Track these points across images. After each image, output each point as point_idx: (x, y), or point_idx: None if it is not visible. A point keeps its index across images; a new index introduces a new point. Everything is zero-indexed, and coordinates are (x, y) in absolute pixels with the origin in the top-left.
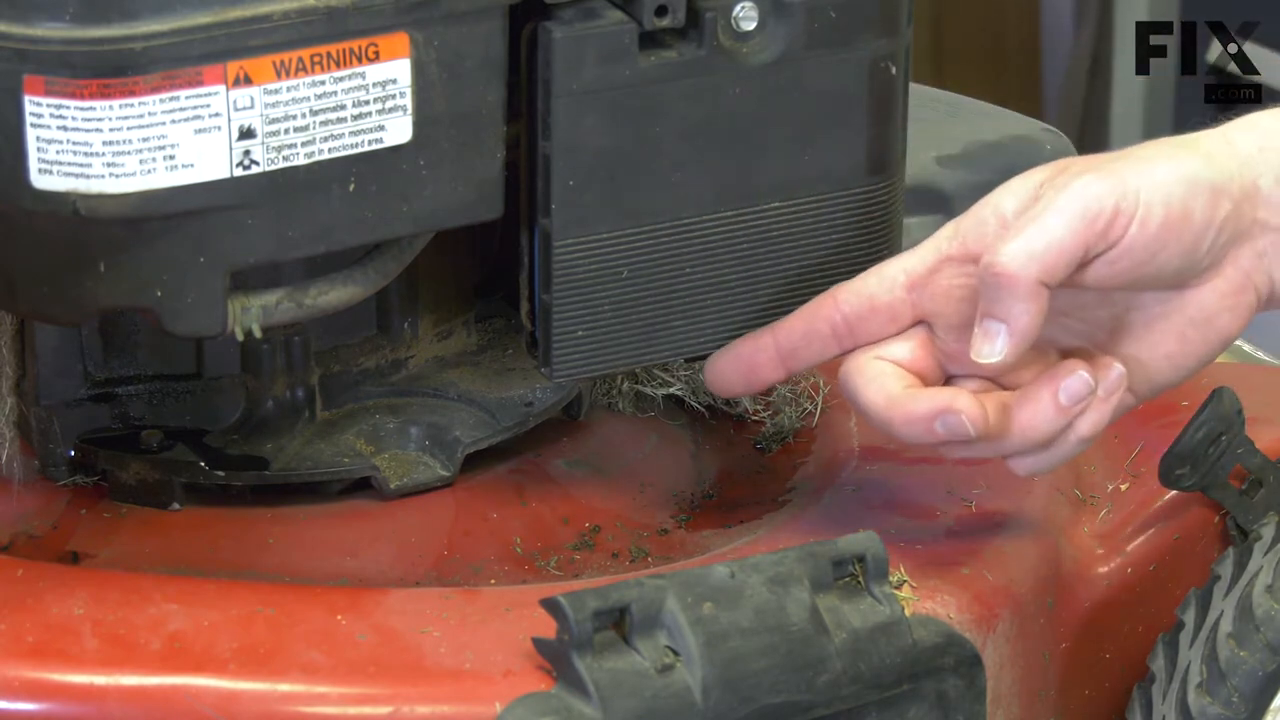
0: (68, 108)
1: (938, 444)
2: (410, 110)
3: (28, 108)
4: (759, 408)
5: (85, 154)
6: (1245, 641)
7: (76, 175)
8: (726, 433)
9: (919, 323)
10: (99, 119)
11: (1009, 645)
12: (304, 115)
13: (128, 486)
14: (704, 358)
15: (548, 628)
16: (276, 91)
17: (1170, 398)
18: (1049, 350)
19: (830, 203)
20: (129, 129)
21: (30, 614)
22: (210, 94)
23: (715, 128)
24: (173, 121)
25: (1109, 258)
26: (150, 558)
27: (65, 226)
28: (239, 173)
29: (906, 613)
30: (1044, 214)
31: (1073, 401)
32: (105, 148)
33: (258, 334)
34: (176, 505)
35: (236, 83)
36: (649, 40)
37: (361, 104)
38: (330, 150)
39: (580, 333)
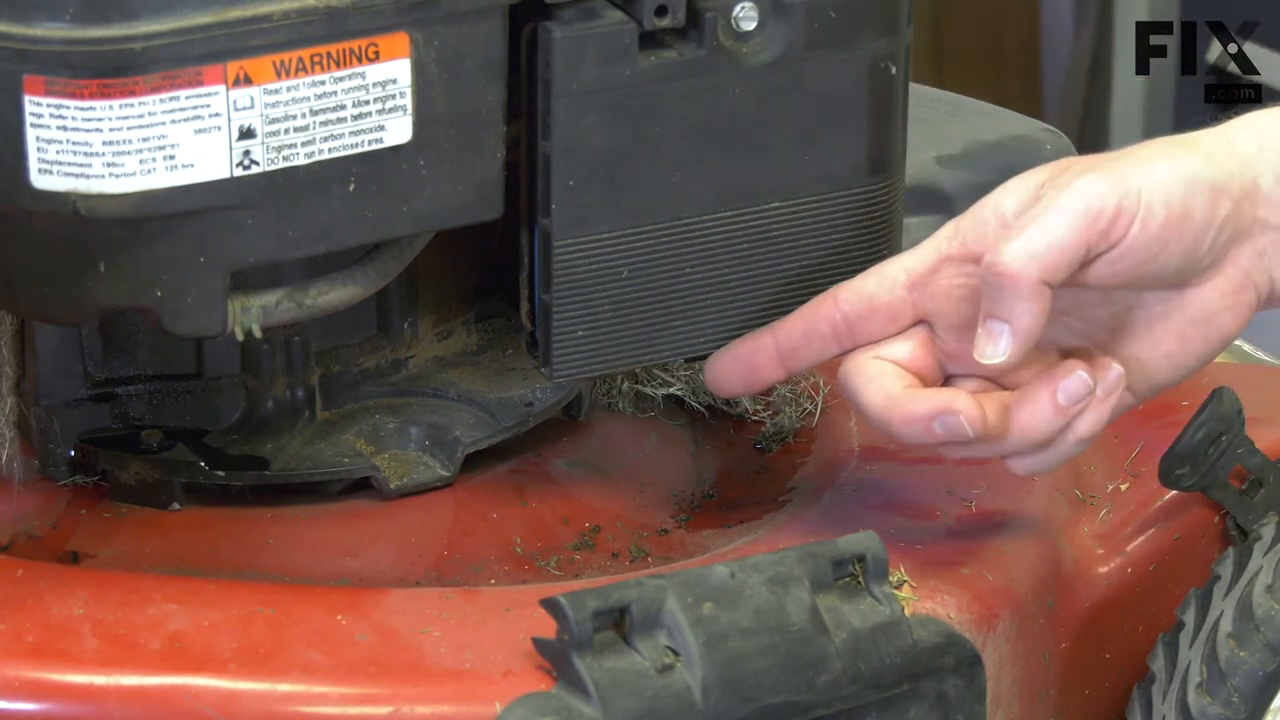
0: (68, 108)
1: (936, 444)
2: (410, 110)
3: (28, 108)
4: (759, 408)
5: (85, 154)
6: (1245, 641)
7: (76, 175)
8: (726, 433)
9: (919, 322)
10: (99, 119)
11: (1009, 645)
12: (304, 115)
13: (128, 486)
14: (704, 358)
15: (548, 628)
16: (276, 91)
17: (1170, 398)
18: (1049, 350)
19: (830, 203)
20: (129, 129)
21: (30, 614)
22: (210, 94)
23: (715, 128)
24: (173, 121)
25: (1110, 257)
26: (150, 558)
27: (65, 226)
28: (239, 173)
29: (906, 613)
30: (1045, 213)
31: (1071, 402)
32: (105, 148)
33: (258, 334)
34: (176, 505)
35: (236, 83)
36: (649, 40)
37: (361, 104)
38: (330, 150)
39: (580, 333)
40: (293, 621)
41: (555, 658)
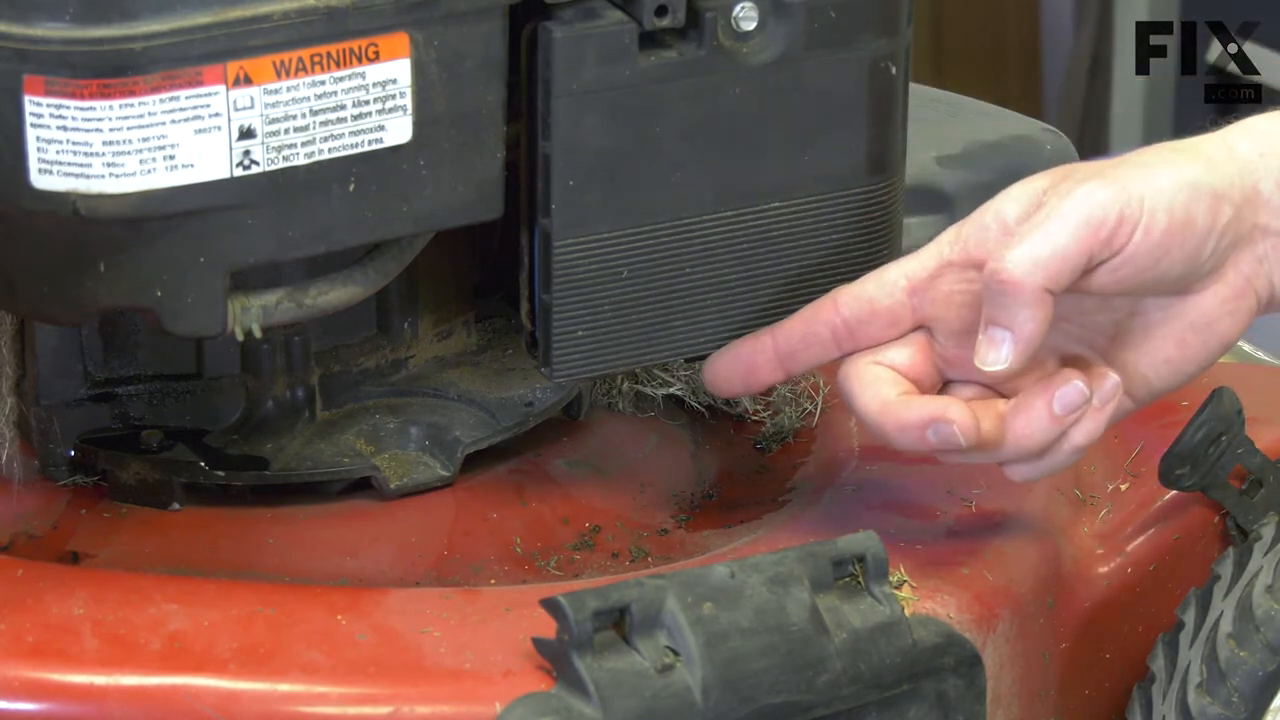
0: (68, 108)
1: (930, 451)
2: (410, 110)
3: (28, 108)
4: (759, 408)
5: (85, 154)
6: (1245, 641)
7: (76, 175)
8: (726, 433)
9: (918, 328)
10: (99, 119)
11: (1009, 645)
12: (304, 115)
13: (128, 486)
14: (704, 358)
15: (548, 628)
16: (276, 91)
17: (1170, 398)
18: (1048, 356)
19: (830, 203)
20: (129, 129)
21: (30, 614)
22: (210, 94)
23: (715, 128)
24: (173, 121)
25: (1112, 265)
26: (150, 558)
27: (65, 226)
28: (239, 173)
29: (906, 613)
30: (1048, 221)
31: (1067, 411)
32: (105, 148)
33: (258, 334)
34: (176, 505)
35: (236, 83)
36: (649, 40)
37: (361, 104)
38: (330, 150)
39: (580, 333)
40: (293, 621)
41: (555, 658)
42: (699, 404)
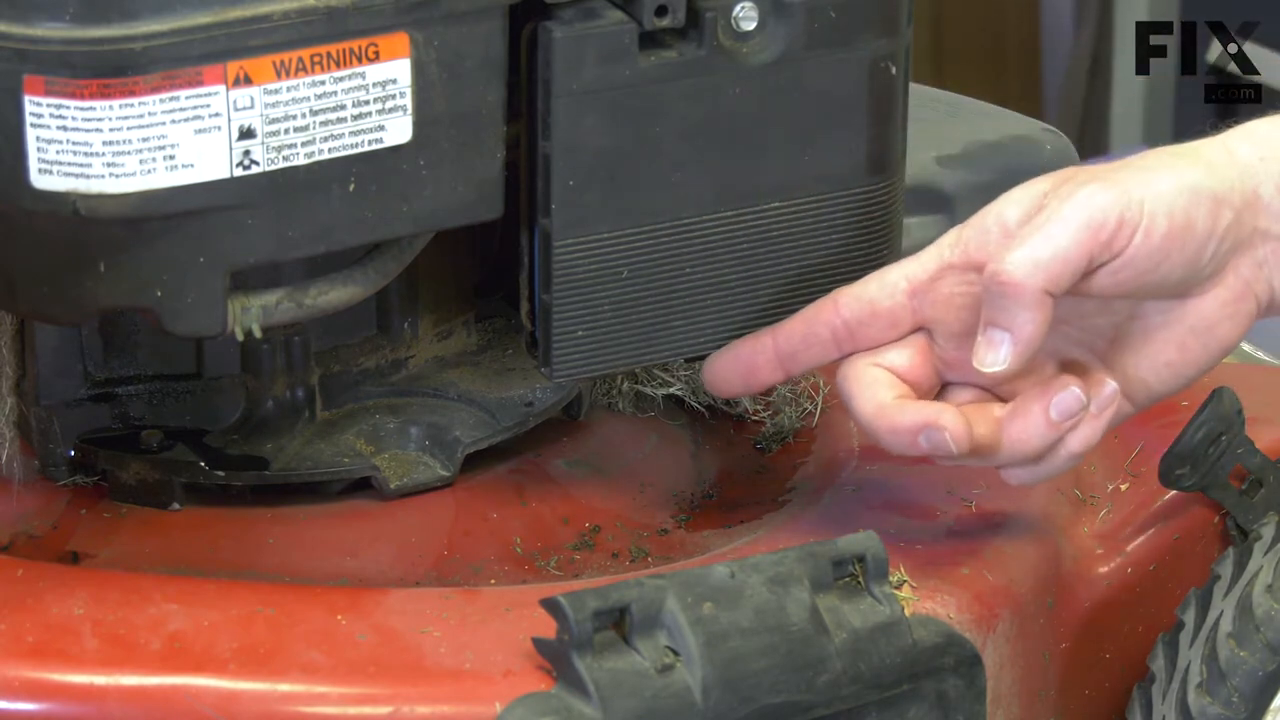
0: (68, 108)
1: (923, 455)
2: (410, 110)
3: (28, 108)
4: (759, 408)
5: (85, 154)
6: (1245, 641)
7: (76, 175)
8: (726, 433)
9: (918, 329)
10: (99, 119)
11: (1009, 645)
12: (304, 115)
13: (128, 486)
14: (704, 358)
15: (548, 628)
16: (276, 91)
17: (1170, 398)
18: (1047, 359)
19: (830, 203)
20: (129, 129)
21: (30, 614)
22: (210, 94)
23: (715, 128)
24: (173, 121)
25: (1113, 268)
26: (150, 558)
27: (65, 226)
28: (239, 173)
29: (906, 613)
30: (1049, 223)
31: (1064, 417)
32: (105, 148)
33: (258, 334)
34: (176, 505)
35: (236, 83)
36: (649, 40)
37: (361, 104)
38: (330, 150)
39: (580, 333)
40: (293, 621)
41: (555, 658)
42: (699, 404)
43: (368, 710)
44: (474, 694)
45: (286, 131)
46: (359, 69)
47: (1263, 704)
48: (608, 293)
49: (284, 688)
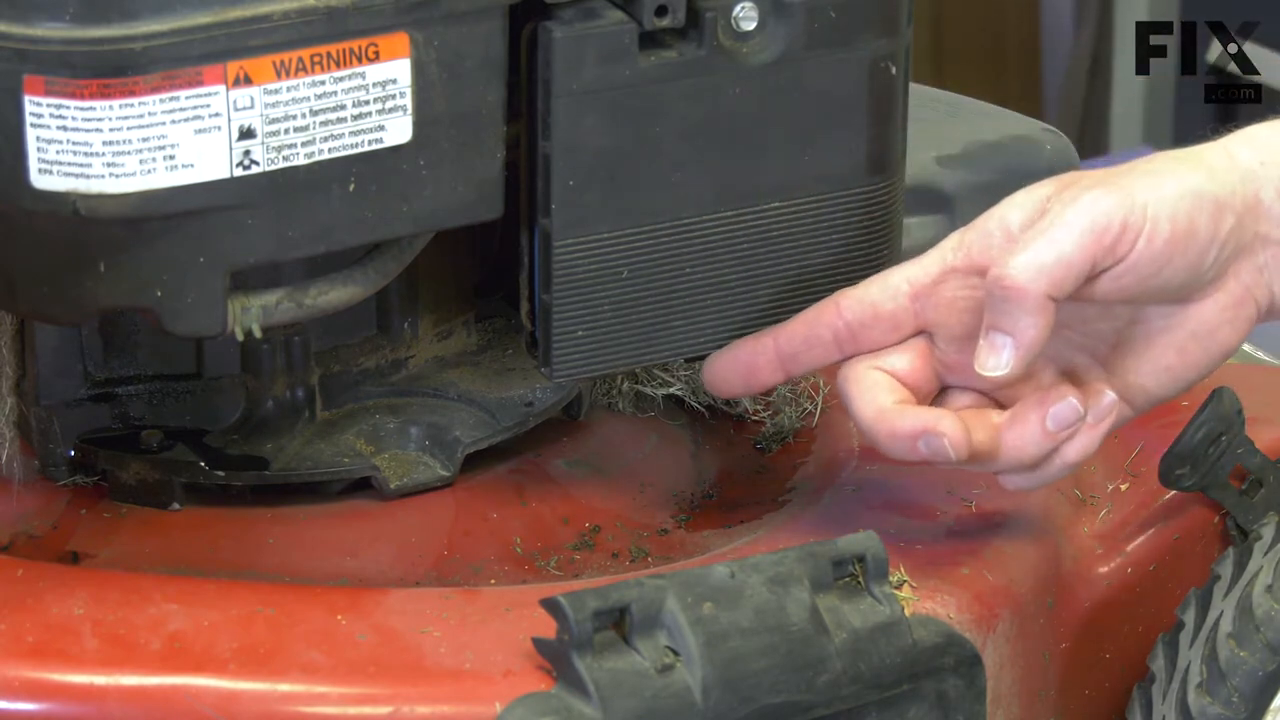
0: (68, 108)
1: (922, 460)
2: (410, 110)
3: (28, 108)
4: (759, 408)
5: (85, 154)
6: (1245, 641)
7: (76, 175)
8: (726, 433)
9: (920, 332)
10: (99, 119)
11: (1009, 645)
12: (304, 115)
13: (128, 486)
14: (704, 358)
15: (548, 628)
16: (276, 91)
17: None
18: (1048, 365)
19: (830, 203)
20: (129, 129)
21: (30, 614)
22: (210, 94)
23: (715, 128)
24: (173, 121)
25: (1115, 272)
26: (150, 558)
27: (65, 226)
28: (239, 173)
29: (906, 613)
30: (1052, 228)
31: (1060, 428)
32: (105, 148)
33: (258, 334)
34: (176, 505)
35: (236, 83)
36: (649, 40)
37: (361, 104)
38: (330, 150)
39: (580, 333)
40: (293, 621)
41: (555, 658)
42: (699, 404)
43: (368, 710)
44: (474, 694)
45: (286, 131)
46: (359, 69)
47: (1263, 704)
48: (608, 293)
49: (284, 688)
